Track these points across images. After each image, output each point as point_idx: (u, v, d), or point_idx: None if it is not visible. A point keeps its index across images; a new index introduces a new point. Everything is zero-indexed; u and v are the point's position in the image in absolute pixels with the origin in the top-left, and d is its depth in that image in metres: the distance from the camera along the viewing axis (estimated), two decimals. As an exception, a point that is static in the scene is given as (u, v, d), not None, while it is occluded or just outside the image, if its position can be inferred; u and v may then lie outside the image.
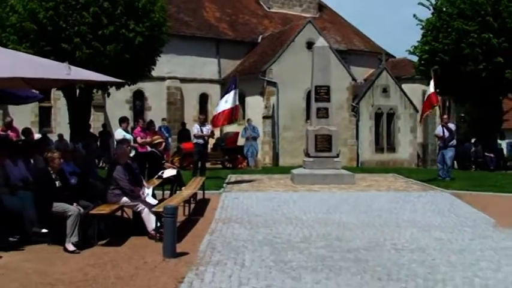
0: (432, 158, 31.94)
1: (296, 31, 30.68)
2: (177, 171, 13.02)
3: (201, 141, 17.80)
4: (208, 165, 20.37)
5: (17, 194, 8.64)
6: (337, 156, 17.41)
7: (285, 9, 38.96)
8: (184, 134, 25.66)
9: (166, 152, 19.12)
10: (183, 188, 12.23)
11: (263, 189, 15.44)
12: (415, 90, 33.76)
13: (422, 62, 25.65)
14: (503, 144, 41.54)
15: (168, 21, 21.12)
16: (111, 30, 17.96)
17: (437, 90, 19.18)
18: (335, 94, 19.75)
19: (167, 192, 12.54)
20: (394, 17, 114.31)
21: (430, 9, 25.73)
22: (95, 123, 26.38)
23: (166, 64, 27.46)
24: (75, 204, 8.35)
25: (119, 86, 19.01)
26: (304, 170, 17.33)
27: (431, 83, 17.46)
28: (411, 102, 33.35)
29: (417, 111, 31.74)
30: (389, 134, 33.75)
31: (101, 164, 22.34)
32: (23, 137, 15.98)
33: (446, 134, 17.67)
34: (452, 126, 18.44)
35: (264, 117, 29.38)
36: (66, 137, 20.52)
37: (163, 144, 14.94)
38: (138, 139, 15.75)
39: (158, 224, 8.67)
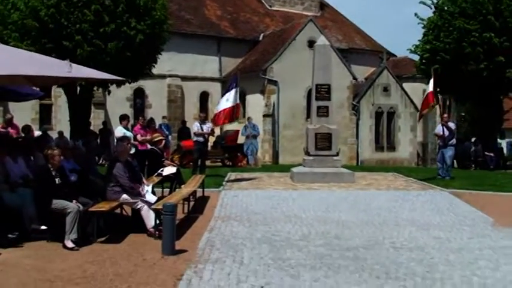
0: (432, 157, 31.95)
1: (297, 29, 30.68)
2: (177, 169, 13.04)
3: (201, 139, 17.82)
4: (208, 163, 20.40)
5: (17, 191, 8.67)
6: (337, 154, 17.42)
7: (287, 8, 38.98)
8: (184, 132, 25.68)
9: (166, 149, 19.14)
10: (182, 185, 12.25)
11: (262, 187, 15.45)
12: (416, 89, 33.75)
13: (424, 61, 25.67)
14: (503, 143, 41.61)
15: (169, 19, 21.15)
16: (112, 28, 17.97)
17: (438, 89, 19.20)
18: (336, 93, 19.75)
19: (167, 190, 12.54)
20: (396, 15, 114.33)
21: (431, 8, 25.75)
22: (95, 121, 26.41)
23: (167, 62, 27.45)
24: (74, 201, 8.36)
25: (119, 83, 19.04)
26: (304, 168, 17.34)
27: (431, 82, 17.46)
28: (412, 101, 33.34)
29: (418, 110, 31.70)
30: (389, 132, 33.76)
31: (101, 162, 22.37)
32: (23, 134, 16.00)
33: (446, 133, 17.66)
34: (452, 125, 18.43)
35: (265, 116, 29.40)
36: (67, 134, 20.53)
37: (163, 142, 14.96)
38: (138, 137, 15.78)
39: (157, 222, 8.69)
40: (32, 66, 8.63)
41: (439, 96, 23.77)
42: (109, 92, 21.84)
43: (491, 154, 24.87)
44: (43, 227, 8.45)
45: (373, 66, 36.19)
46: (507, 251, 7.98)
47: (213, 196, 13.27)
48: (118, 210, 9.75)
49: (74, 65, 8.82)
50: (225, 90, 17.15)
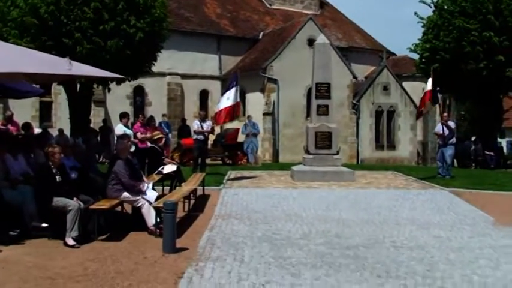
0: (432, 156, 31.95)
1: (297, 28, 30.64)
2: (177, 167, 13.03)
3: (201, 137, 17.83)
4: (208, 161, 20.40)
5: (17, 188, 8.66)
6: (337, 153, 17.42)
7: (286, 6, 38.96)
8: (184, 130, 25.70)
9: (166, 147, 19.14)
10: (183, 183, 12.25)
11: (263, 185, 15.45)
12: (415, 88, 33.69)
13: (423, 60, 25.65)
14: (503, 142, 41.64)
15: (168, 16, 21.12)
16: (111, 25, 17.94)
17: (438, 89, 19.17)
18: (335, 91, 19.73)
19: (167, 188, 12.57)
20: (395, 14, 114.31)
21: (431, 7, 25.73)
22: (95, 119, 26.39)
23: (167, 60, 27.41)
24: (75, 198, 8.37)
25: (119, 81, 19.04)
26: (304, 167, 17.34)
27: (429, 81, 17.43)
28: (412, 100, 33.30)
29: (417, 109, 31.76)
30: (389, 131, 33.75)
31: (101, 160, 22.37)
32: (23, 132, 15.99)
33: (446, 132, 17.66)
34: (452, 124, 18.42)
35: (264, 114, 29.38)
36: (67, 132, 20.53)
37: (164, 139, 14.95)
38: (138, 134, 15.78)
39: (158, 220, 8.69)
40: (32, 64, 8.62)
41: (439, 95, 23.73)
42: (109, 90, 21.83)
43: (491, 153, 24.88)
44: (44, 225, 8.45)
45: (373, 65, 36.20)
46: (507, 250, 7.99)
47: (214, 194, 13.28)
48: (118, 208, 9.75)
49: (73, 62, 8.82)
50: (225, 89, 17.13)
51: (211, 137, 21.26)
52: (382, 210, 11.42)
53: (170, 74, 31.16)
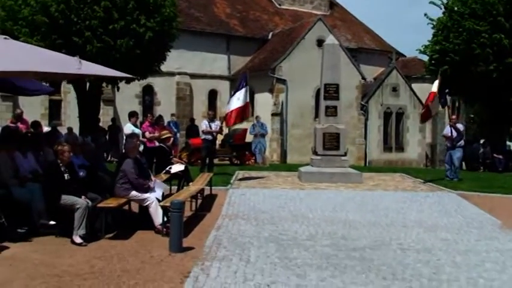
0: (441, 159, 31.82)
1: (306, 28, 30.67)
2: (185, 167, 13.05)
3: (209, 137, 17.84)
4: (216, 161, 20.43)
5: (26, 185, 8.71)
6: (345, 154, 17.40)
7: (296, 6, 39.00)
8: (192, 130, 25.75)
9: (174, 147, 19.19)
10: (190, 183, 12.28)
11: (270, 186, 15.47)
12: (425, 90, 33.34)
13: (433, 61, 25.57)
14: (512, 145, 41.36)
15: (178, 16, 21.16)
16: (121, 24, 18.01)
17: (447, 91, 19.08)
18: (344, 92, 19.70)
19: (174, 188, 12.60)
20: (405, 15, 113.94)
21: (441, 9, 25.64)
22: (104, 117, 26.51)
23: (176, 59, 27.48)
24: (83, 197, 8.41)
25: (128, 80, 19.09)
26: (312, 168, 17.33)
27: (435, 83, 17.30)
28: (421, 102, 33.03)
29: (426, 111, 31.64)
30: (397, 133, 33.68)
31: (109, 158, 22.45)
32: (32, 130, 16.06)
33: (454, 134, 17.59)
34: (460, 126, 18.35)
35: (273, 115, 29.42)
36: (76, 130, 20.61)
37: (172, 139, 14.99)
38: (147, 134, 15.83)
39: (165, 219, 8.73)
40: (42, 63, 8.65)
41: (448, 98, 23.65)
42: (118, 89, 21.90)
43: (500, 156, 24.75)
44: (52, 222, 8.50)
45: (382, 66, 36.11)
46: (514, 254, 7.97)
47: (221, 194, 13.31)
48: (126, 207, 9.79)
49: (83, 61, 8.84)
50: (234, 89, 17.11)
51: (220, 137, 21.27)
52: (389, 212, 11.41)
53: (179, 73, 31.25)
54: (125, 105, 26.79)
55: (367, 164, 30.86)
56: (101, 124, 23.95)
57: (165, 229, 8.63)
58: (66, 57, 9.89)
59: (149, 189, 9.40)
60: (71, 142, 10.02)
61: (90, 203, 8.41)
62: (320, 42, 26.69)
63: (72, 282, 6.21)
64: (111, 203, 8.86)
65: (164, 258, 7.31)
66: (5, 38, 9.00)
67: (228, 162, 24.30)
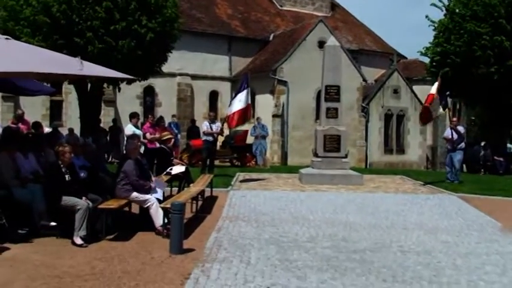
0: (441, 161, 31.80)
1: (308, 30, 30.68)
2: (186, 168, 13.05)
3: (210, 138, 17.85)
4: (216, 162, 20.45)
5: (27, 186, 8.72)
6: (346, 156, 17.41)
7: (297, 8, 39.01)
8: (193, 131, 25.75)
9: (175, 148, 19.19)
10: (191, 184, 12.28)
11: (271, 188, 15.48)
12: (426, 92, 32.91)
13: (434, 63, 25.56)
14: (513, 148, 41.27)
15: (180, 17, 21.19)
16: (123, 25, 18.03)
17: (448, 93, 19.03)
18: (345, 94, 19.72)
19: (175, 189, 12.60)
20: (406, 17, 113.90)
21: (442, 11, 25.64)
22: (105, 118, 26.48)
23: (178, 60, 27.46)
24: (84, 198, 8.42)
25: (130, 81, 19.11)
26: (312, 169, 17.34)
27: (435, 85, 17.28)
28: (422, 104, 33.10)
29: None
30: (398, 135, 33.68)
31: (110, 159, 22.45)
32: (33, 130, 16.08)
33: (455, 136, 17.57)
34: (461, 129, 18.33)
35: (274, 116, 29.42)
36: (77, 131, 20.63)
37: (173, 140, 15.01)
38: (147, 135, 15.83)
39: (165, 220, 8.73)
40: (44, 63, 8.66)
41: (449, 100, 23.64)
42: (119, 90, 21.92)
43: (501, 159, 24.74)
44: (52, 223, 8.51)
45: (383, 68, 36.14)
46: (515, 257, 7.97)
47: (221, 196, 13.32)
48: (126, 208, 9.79)
49: (85, 62, 8.85)
50: (236, 91, 17.11)
51: (220, 139, 21.29)
52: (389, 214, 11.42)
53: (180, 74, 31.26)
54: (126, 106, 26.80)
55: (367, 166, 30.85)
56: (101, 125, 23.96)
57: (165, 230, 8.63)
58: (67, 58, 9.90)
59: (150, 190, 9.41)
60: (72, 143, 10.03)
61: (91, 204, 8.42)
62: (321, 44, 26.68)
63: (72, 284, 6.22)
64: (111, 204, 8.86)
65: (165, 260, 7.31)
66: (7, 39, 9.00)
67: (228, 163, 24.32)
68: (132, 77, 12.89)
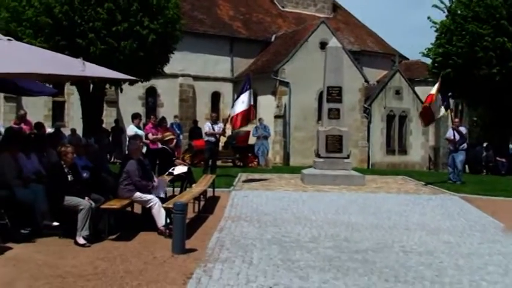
0: (444, 162, 31.81)
1: (310, 31, 30.70)
2: (188, 169, 13.06)
3: (212, 139, 17.86)
4: (219, 163, 20.44)
5: (30, 186, 8.72)
6: (348, 157, 17.41)
7: (299, 9, 39.00)
8: (195, 132, 25.78)
9: (177, 149, 19.19)
10: (193, 185, 12.29)
11: (273, 188, 15.49)
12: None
13: (436, 64, 25.53)
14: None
15: (182, 18, 21.22)
16: (125, 26, 18.05)
17: (450, 94, 19.00)
18: (347, 95, 19.73)
19: (177, 189, 12.62)
20: (408, 18, 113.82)
21: (444, 12, 25.63)
22: (108, 119, 26.50)
23: (180, 61, 27.48)
24: (86, 198, 8.43)
25: (132, 82, 19.11)
26: (315, 170, 17.34)
27: (436, 86, 17.27)
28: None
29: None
30: (401, 136, 33.67)
31: (112, 160, 22.48)
32: (35, 131, 16.10)
33: (457, 137, 17.56)
34: (463, 129, 18.33)
35: (276, 117, 29.43)
36: (79, 131, 20.66)
37: (175, 141, 15.01)
38: (150, 135, 15.83)
39: (168, 220, 8.74)
40: (46, 64, 8.68)
41: (451, 101, 23.61)
42: (121, 90, 21.96)
43: (503, 159, 24.72)
44: (55, 223, 8.52)
45: (385, 69, 36.14)
46: (517, 257, 7.97)
47: (224, 196, 13.33)
48: (129, 208, 9.81)
49: (87, 63, 8.87)
50: (239, 92, 17.12)
51: (222, 139, 21.30)
52: (392, 215, 11.42)
53: (182, 75, 31.28)
54: (128, 107, 26.84)
55: (370, 167, 30.83)
56: (104, 125, 23.99)
57: (167, 230, 8.64)
58: (69, 59, 9.92)
59: (152, 190, 9.42)
60: (74, 143, 10.05)
61: (93, 204, 8.43)
62: (323, 45, 26.66)
63: (75, 283, 6.23)
64: (114, 204, 8.88)
65: (167, 260, 7.32)
66: (9, 40, 9.02)
67: (230, 164, 24.33)
68: (134, 78, 12.89)
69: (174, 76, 30.17)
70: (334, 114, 17.52)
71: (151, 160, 12.59)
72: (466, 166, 22.58)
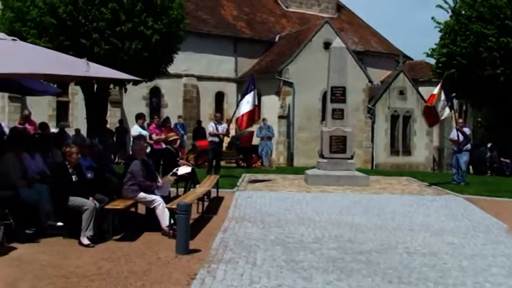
0: (448, 162, 31.72)
1: (313, 31, 30.70)
2: (192, 169, 13.06)
3: (216, 139, 17.87)
4: (222, 163, 20.45)
5: (34, 187, 8.75)
6: (352, 158, 17.40)
7: (303, 9, 39.01)
8: (199, 132, 25.77)
9: (181, 149, 19.21)
10: (197, 185, 12.30)
11: (277, 189, 15.49)
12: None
13: (440, 65, 25.51)
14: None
15: (186, 18, 21.21)
16: (129, 27, 18.06)
17: (454, 95, 18.94)
18: (351, 95, 19.70)
19: (181, 190, 12.63)
20: (412, 19, 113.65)
21: (448, 12, 25.59)
22: (112, 119, 26.58)
23: (184, 61, 27.50)
24: (91, 198, 8.45)
25: (136, 82, 19.14)
26: (318, 171, 17.33)
27: (438, 86, 17.22)
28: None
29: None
30: (405, 136, 33.64)
31: (116, 160, 22.51)
32: (40, 131, 16.13)
33: (461, 138, 17.52)
34: (467, 130, 18.29)
35: (280, 117, 29.45)
36: (83, 131, 20.68)
37: (178, 141, 15.02)
38: (153, 136, 15.86)
39: (172, 221, 8.75)
40: (50, 64, 8.70)
41: (455, 101, 23.56)
42: (125, 91, 21.96)
43: (507, 160, 24.66)
44: (59, 224, 8.54)
45: (389, 69, 36.12)
46: (521, 258, 7.95)
47: (227, 197, 13.34)
48: (133, 209, 9.82)
49: (91, 63, 8.88)
50: (243, 92, 17.11)
51: (226, 140, 21.31)
52: (395, 216, 11.40)
53: (186, 75, 31.34)
54: (132, 107, 26.88)
55: (373, 167, 30.81)
56: (108, 126, 24.03)
57: (171, 231, 8.66)
58: (74, 59, 9.94)
59: (157, 190, 9.43)
60: (78, 144, 10.07)
61: (97, 204, 8.45)
62: (327, 45, 26.65)
63: (79, 284, 6.24)
64: (118, 204, 8.89)
65: (171, 260, 7.33)
66: (13, 40, 9.05)
67: (234, 164, 24.32)
68: (138, 78, 12.90)
69: (178, 76, 30.22)
70: (338, 115, 17.50)
71: (155, 160, 12.60)
72: (470, 167, 22.53)
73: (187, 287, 6.20)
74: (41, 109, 25.32)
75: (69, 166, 8.66)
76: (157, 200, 9.15)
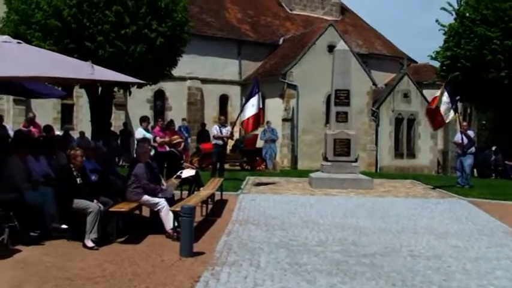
0: (452, 165, 31.67)
1: (317, 34, 30.73)
2: (196, 172, 13.08)
3: (220, 142, 17.87)
4: (226, 166, 20.45)
5: (39, 189, 8.76)
6: (356, 160, 17.38)
7: (307, 12, 39.03)
8: (203, 135, 25.80)
9: (185, 152, 19.24)
10: (201, 188, 12.31)
11: (281, 192, 15.48)
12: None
13: (444, 67, 25.51)
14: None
15: (190, 21, 21.26)
16: (133, 29, 18.10)
17: (458, 98, 18.93)
18: (355, 98, 19.70)
19: (185, 192, 12.64)
20: (417, 21, 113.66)
21: (452, 15, 25.59)
22: (116, 122, 26.65)
23: (188, 64, 27.58)
24: (95, 201, 8.47)
25: (140, 85, 19.18)
26: (322, 173, 17.32)
27: (441, 88, 17.18)
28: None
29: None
30: (409, 139, 33.60)
31: (120, 163, 22.54)
32: (44, 134, 16.17)
33: (465, 141, 17.49)
34: (471, 133, 18.24)
35: (284, 120, 29.44)
36: (88, 134, 20.75)
37: (182, 144, 15.06)
38: (157, 138, 15.89)
39: (176, 224, 8.76)
40: (55, 67, 8.72)
41: (459, 104, 23.53)
42: (130, 93, 22.00)
43: (512, 163, 24.64)
44: (64, 226, 8.54)
45: (393, 72, 36.07)
46: (525, 262, 7.93)
47: (231, 199, 13.34)
48: (137, 211, 9.84)
49: (96, 66, 8.91)
50: (247, 95, 17.11)
51: (230, 142, 21.31)
52: (400, 219, 11.39)
53: (190, 78, 31.38)
54: (136, 110, 26.92)
55: (378, 170, 30.78)
56: (112, 128, 24.09)
57: (175, 234, 8.66)
58: (78, 62, 9.97)
59: (160, 193, 9.45)
60: (83, 146, 10.09)
61: (102, 207, 8.46)
62: (331, 48, 26.63)
63: (83, 286, 6.26)
64: (122, 207, 8.90)
65: (175, 263, 7.34)
66: (18, 43, 9.09)
67: (238, 167, 24.34)
68: (142, 81, 12.93)
69: (182, 79, 30.25)
70: (342, 118, 17.48)
71: (159, 163, 12.63)
72: (475, 170, 22.48)
73: (191, 289, 6.22)
74: (46, 112, 25.39)
75: (73, 169, 8.68)
76: (161, 202, 9.16)
